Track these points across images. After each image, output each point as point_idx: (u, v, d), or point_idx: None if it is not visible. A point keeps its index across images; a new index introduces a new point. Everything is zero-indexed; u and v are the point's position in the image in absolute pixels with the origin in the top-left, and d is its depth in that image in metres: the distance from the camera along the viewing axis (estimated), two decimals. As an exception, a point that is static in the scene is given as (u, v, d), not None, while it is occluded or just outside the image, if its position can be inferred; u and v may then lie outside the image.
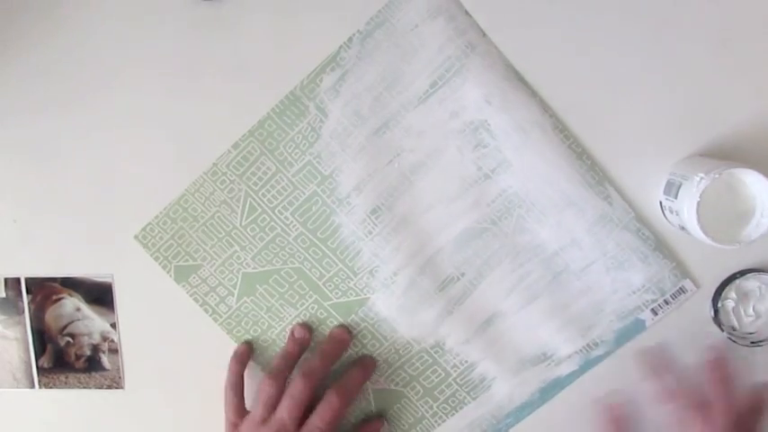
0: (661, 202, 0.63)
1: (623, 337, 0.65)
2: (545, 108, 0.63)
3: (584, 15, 0.62)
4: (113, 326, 0.69)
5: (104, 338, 0.69)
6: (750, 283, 0.63)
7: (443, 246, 0.65)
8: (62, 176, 0.67)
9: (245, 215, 0.66)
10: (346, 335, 0.67)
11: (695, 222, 0.57)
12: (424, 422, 0.68)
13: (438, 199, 0.65)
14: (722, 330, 0.63)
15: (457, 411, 0.68)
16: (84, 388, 0.70)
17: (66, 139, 0.67)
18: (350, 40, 0.63)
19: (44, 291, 0.69)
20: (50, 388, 0.71)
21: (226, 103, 0.65)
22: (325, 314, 0.67)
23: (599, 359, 0.66)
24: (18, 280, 0.69)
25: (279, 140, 0.65)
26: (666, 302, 0.65)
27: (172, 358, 0.69)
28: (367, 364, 0.67)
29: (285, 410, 0.62)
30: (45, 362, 0.70)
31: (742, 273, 0.63)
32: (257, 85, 0.64)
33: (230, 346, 0.68)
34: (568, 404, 0.67)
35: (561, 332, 0.65)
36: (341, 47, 0.64)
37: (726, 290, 0.63)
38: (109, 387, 0.70)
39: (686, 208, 0.57)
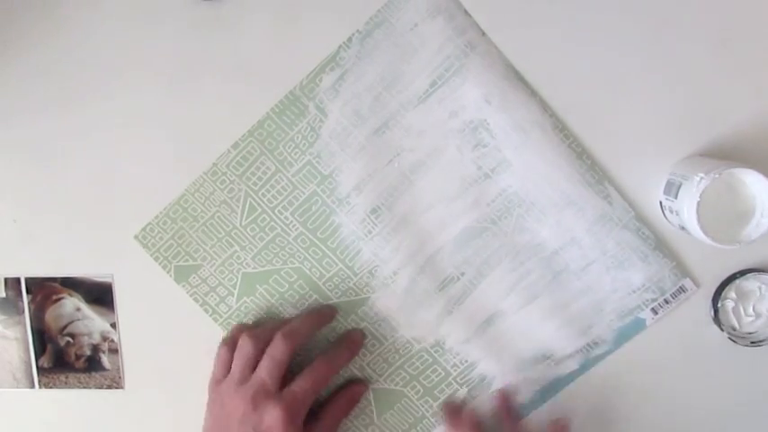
0: (661, 202, 0.63)
1: (623, 336, 0.65)
2: (545, 108, 0.63)
3: (585, 15, 0.62)
4: (113, 326, 0.69)
5: (104, 338, 0.69)
6: (750, 283, 0.63)
7: (443, 245, 0.65)
8: (62, 176, 0.67)
9: (244, 215, 0.66)
10: (332, 309, 0.67)
11: (695, 222, 0.57)
12: (424, 422, 0.68)
13: (438, 198, 0.65)
14: (722, 330, 0.63)
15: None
16: (84, 388, 0.70)
17: (66, 139, 0.67)
18: (349, 39, 0.63)
19: (44, 291, 0.69)
20: (50, 388, 0.71)
21: (226, 103, 0.65)
22: (325, 314, 0.67)
23: (599, 358, 0.66)
24: (18, 280, 0.69)
25: (278, 140, 0.65)
26: (666, 301, 0.65)
27: (172, 358, 0.69)
28: (355, 339, 0.66)
29: (265, 371, 0.61)
30: (45, 362, 0.70)
31: (742, 273, 0.63)
32: (257, 84, 0.64)
33: (230, 346, 0.68)
34: (569, 403, 0.67)
35: (561, 331, 0.65)
36: (340, 47, 0.64)
37: (726, 290, 0.63)
38: (109, 387, 0.70)
39: (686, 208, 0.57)
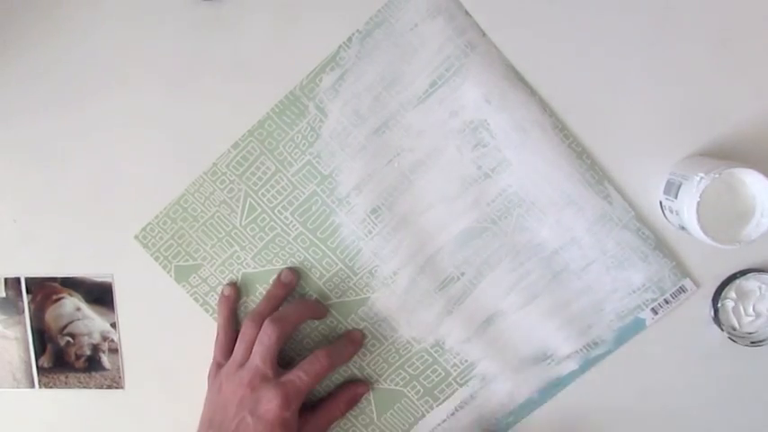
0: (661, 202, 0.63)
1: (623, 336, 0.65)
2: (544, 107, 0.63)
3: (585, 15, 0.62)
4: (113, 326, 0.69)
5: (104, 338, 0.69)
6: (750, 283, 0.63)
7: (443, 245, 0.65)
8: (62, 176, 0.67)
9: (244, 215, 0.66)
10: (324, 308, 0.67)
11: (695, 222, 0.57)
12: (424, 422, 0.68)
13: (438, 198, 0.65)
14: (722, 330, 0.63)
15: (457, 411, 0.68)
16: (84, 388, 0.70)
17: (66, 139, 0.67)
18: (349, 39, 0.63)
19: (44, 291, 0.69)
20: (50, 388, 0.71)
21: (226, 103, 0.65)
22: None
23: (599, 358, 0.66)
24: (18, 280, 0.69)
25: (278, 140, 0.65)
26: (667, 302, 0.65)
27: (172, 358, 0.69)
28: (355, 338, 0.67)
29: (258, 357, 0.61)
30: (45, 362, 0.70)
31: (742, 273, 0.63)
32: (257, 84, 0.64)
33: (230, 346, 0.68)
34: (569, 404, 0.67)
35: (561, 331, 0.65)
36: (340, 47, 0.64)
37: (726, 290, 0.63)
38: (109, 387, 0.70)
39: (686, 208, 0.57)
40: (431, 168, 0.64)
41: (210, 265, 0.67)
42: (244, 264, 0.67)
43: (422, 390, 0.68)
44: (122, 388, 0.70)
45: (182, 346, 0.69)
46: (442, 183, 0.64)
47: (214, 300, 0.68)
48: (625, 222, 0.64)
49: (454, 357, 0.67)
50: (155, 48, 0.65)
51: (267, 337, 0.61)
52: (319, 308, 0.67)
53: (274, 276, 0.67)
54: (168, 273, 0.68)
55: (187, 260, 0.67)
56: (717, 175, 0.56)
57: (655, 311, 0.65)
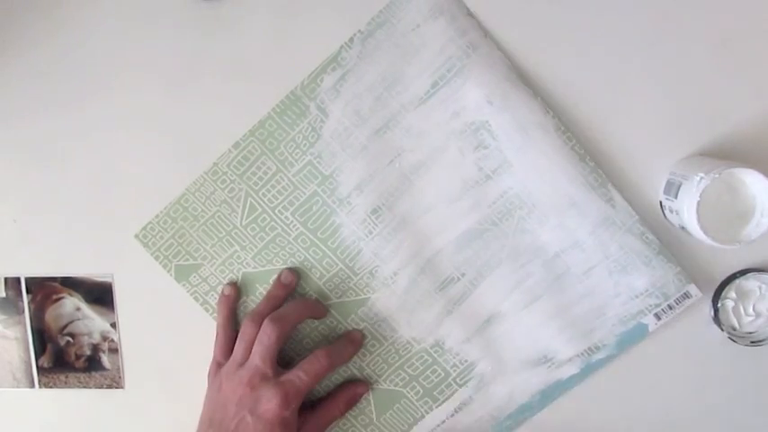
0: (661, 202, 0.63)
1: (626, 341, 0.65)
2: (546, 109, 0.63)
3: (585, 16, 0.62)
4: (113, 326, 0.69)
5: (104, 338, 0.69)
6: (750, 282, 0.64)
7: (444, 246, 0.65)
8: (62, 176, 0.67)
9: (245, 215, 0.66)
10: (324, 308, 0.67)
11: (695, 222, 0.57)
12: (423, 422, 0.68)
13: (439, 199, 0.65)
14: (722, 330, 0.63)
15: (457, 412, 0.68)
16: (84, 388, 0.70)
17: (67, 139, 0.67)
18: (351, 40, 0.63)
19: (44, 290, 0.69)
20: (50, 388, 0.71)
21: (226, 103, 0.65)
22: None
23: (601, 363, 0.66)
24: (18, 280, 0.69)
25: (279, 140, 0.65)
26: (670, 307, 0.64)
27: (172, 358, 0.69)
28: (355, 339, 0.67)
29: (257, 356, 0.61)
30: (45, 362, 0.70)
31: (742, 273, 0.63)
32: (258, 84, 0.64)
33: (231, 346, 0.68)
34: (569, 409, 0.67)
35: (562, 334, 0.65)
36: (342, 47, 0.63)
37: (726, 289, 0.63)
38: (109, 387, 0.70)
39: (686, 208, 0.57)
40: (432, 169, 0.64)
41: (211, 265, 0.67)
42: (244, 263, 0.67)
43: (421, 390, 0.68)
44: (122, 388, 0.70)
45: (182, 346, 0.69)
46: (443, 184, 0.64)
47: (214, 299, 0.68)
48: (628, 226, 0.63)
49: (454, 357, 0.67)
50: (155, 48, 0.65)
51: (267, 336, 0.61)
52: (319, 307, 0.67)
53: (274, 276, 0.67)
54: (168, 272, 0.68)
55: (187, 259, 0.67)
56: (717, 175, 0.56)
57: (658, 317, 0.64)
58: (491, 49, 0.63)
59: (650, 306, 0.64)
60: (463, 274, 0.66)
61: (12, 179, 0.68)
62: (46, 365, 0.70)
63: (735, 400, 0.66)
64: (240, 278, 0.67)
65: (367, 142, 0.64)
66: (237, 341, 0.64)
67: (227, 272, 0.67)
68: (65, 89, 0.66)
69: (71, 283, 0.69)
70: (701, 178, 0.56)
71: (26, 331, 0.70)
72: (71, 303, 0.69)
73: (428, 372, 0.67)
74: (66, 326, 0.69)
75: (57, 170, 0.67)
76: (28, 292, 0.69)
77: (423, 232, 0.65)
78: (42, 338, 0.70)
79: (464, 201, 0.64)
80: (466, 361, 0.67)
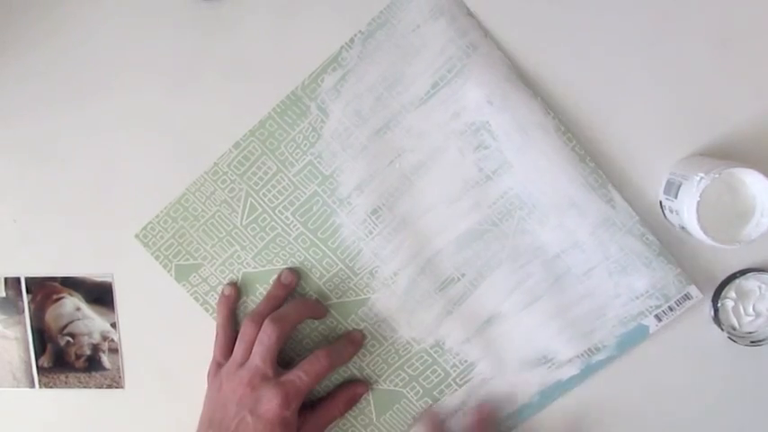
0: (661, 202, 0.63)
1: (626, 342, 0.65)
2: (547, 109, 0.63)
3: (585, 16, 0.62)
4: (113, 325, 0.69)
5: (104, 338, 0.69)
6: (750, 282, 0.64)
7: (444, 246, 0.65)
8: (62, 176, 0.67)
9: (245, 215, 0.66)
10: (324, 308, 0.67)
11: (695, 222, 0.57)
12: (424, 422, 0.68)
13: (439, 200, 0.65)
14: (722, 330, 0.63)
15: (456, 413, 0.68)
16: (84, 388, 0.70)
17: (67, 139, 0.67)
18: (351, 40, 0.63)
19: (44, 290, 0.69)
20: (50, 388, 0.71)
21: (226, 103, 0.65)
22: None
23: (601, 364, 0.66)
24: (18, 280, 0.69)
25: (280, 140, 0.65)
26: (671, 309, 0.64)
27: (172, 358, 0.69)
28: (355, 339, 0.67)
29: (258, 356, 0.62)
30: (45, 361, 0.70)
31: (742, 272, 0.63)
32: (258, 84, 0.64)
33: (231, 346, 0.68)
34: (569, 410, 0.67)
35: (562, 335, 0.65)
36: (342, 47, 0.64)
37: (726, 289, 0.63)
38: (109, 387, 0.70)
39: (686, 208, 0.57)
40: (432, 169, 0.64)
41: (211, 265, 0.67)
42: (244, 263, 0.67)
43: (421, 391, 0.68)
44: (122, 388, 0.70)
45: (182, 346, 0.69)
46: (444, 184, 0.64)
47: (214, 299, 0.68)
48: (629, 227, 0.63)
49: (454, 357, 0.67)
50: (155, 48, 0.65)
51: (267, 336, 0.61)
52: (319, 307, 0.67)
53: (275, 276, 0.67)
54: (169, 272, 0.67)
55: (188, 259, 0.67)
56: (717, 175, 0.56)
57: (659, 318, 0.64)
58: (491, 50, 0.63)
59: (651, 307, 0.64)
60: (463, 275, 0.66)
61: (11, 179, 0.68)
62: (46, 365, 0.70)
63: (735, 400, 0.66)
64: (240, 278, 0.67)
65: (367, 142, 0.64)
66: (237, 341, 0.64)
67: (228, 272, 0.67)
68: (65, 89, 0.66)
69: (71, 283, 0.69)
70: (701, 178, 0.56)
71: (26, 331, 0.70)
72: (71, 303, 0.69)
73: (428, 372, 0.67)
74: (66, 326, 0.69)
75: (57, 170, 0.67)
76: (28, 291, 0.69)
77: (423, 233, 0.65)
78: (42, 338, 0.70)
79: (464, 201, 0.65)
80: (466, 361, 0.67)
